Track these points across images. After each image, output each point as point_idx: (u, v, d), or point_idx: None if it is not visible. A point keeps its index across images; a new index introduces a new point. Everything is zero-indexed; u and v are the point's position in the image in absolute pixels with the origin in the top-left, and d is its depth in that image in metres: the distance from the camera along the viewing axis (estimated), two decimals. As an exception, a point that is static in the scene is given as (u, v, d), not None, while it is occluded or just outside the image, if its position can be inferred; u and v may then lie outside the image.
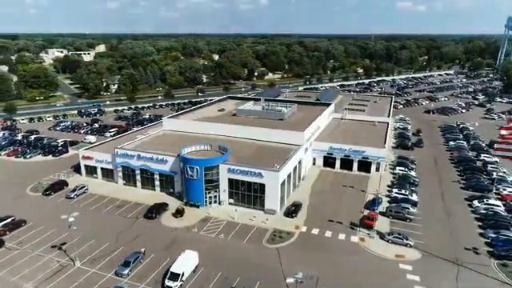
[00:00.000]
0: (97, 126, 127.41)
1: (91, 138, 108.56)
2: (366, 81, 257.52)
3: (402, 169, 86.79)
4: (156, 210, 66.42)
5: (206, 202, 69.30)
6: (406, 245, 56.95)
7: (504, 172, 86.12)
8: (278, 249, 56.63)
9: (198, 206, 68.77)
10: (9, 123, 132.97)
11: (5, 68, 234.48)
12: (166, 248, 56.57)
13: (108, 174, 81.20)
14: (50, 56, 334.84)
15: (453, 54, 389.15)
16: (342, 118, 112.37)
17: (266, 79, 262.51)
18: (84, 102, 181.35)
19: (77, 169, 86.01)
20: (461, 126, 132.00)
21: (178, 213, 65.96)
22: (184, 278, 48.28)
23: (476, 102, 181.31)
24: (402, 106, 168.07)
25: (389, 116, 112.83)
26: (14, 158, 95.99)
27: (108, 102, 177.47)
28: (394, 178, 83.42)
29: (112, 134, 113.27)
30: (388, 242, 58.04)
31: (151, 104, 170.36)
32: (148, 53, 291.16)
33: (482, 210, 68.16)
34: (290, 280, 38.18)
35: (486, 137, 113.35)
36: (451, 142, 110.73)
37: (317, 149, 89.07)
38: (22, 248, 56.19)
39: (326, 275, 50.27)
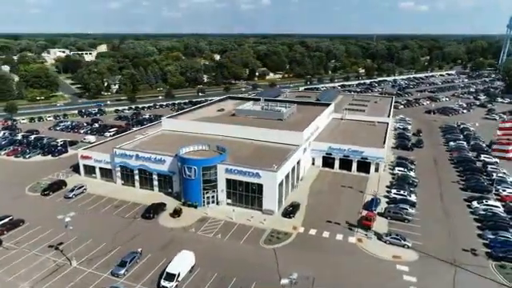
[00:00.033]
0: (97, 125, 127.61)
1: (91, 138, 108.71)
2: (367, 81, 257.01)
3: (402, 169, 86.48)
4: (154, 210, 66.37)
5: (203, 202, 69.24)
6: (403, 246, 56.70)
7: (504, 173, 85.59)
8: (275, 249, 56.49)
9: (195, 206, 68.71)
10: (9, 123, 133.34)
11: (6, 68, 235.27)
12: (163, 248, 56.51)
13: (107, 174, 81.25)
14: (52, 56, 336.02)
15: (455, 54, 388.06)
16: (341, 118, 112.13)
17: (267, 79, 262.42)
18: (85, 101, 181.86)
19: (76, 169, 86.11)
20: (461, 126, 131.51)
21: (176, 213, 65.93)
22: (180, 279, 48.19)
23: (477, 103, 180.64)
24: (402, 107, 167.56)
25: (389, 116, 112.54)
26: (13, 158, 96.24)
27: (108, 102, 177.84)
28: (393, 178, 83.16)
29: (112, 133, 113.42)
30: (386, 242, 57.82)
31: (152, 104, 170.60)
32: (149, 53, 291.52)
33: (481, 210, 67.81)
34: (284, 281, 37.97)
35: (487, 137, 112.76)
36: (451, 143, 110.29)
37: (316, 149, 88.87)
38: (19, 248, 56.23)
39: (322, 276, 50.12)
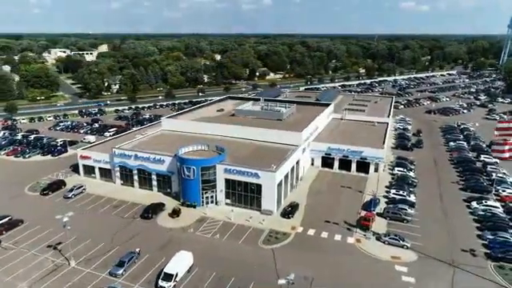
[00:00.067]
0: (97, 125, 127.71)
1: (91, 138, 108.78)
2: (368, 81, 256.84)
3: (401, 169, 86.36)
4: (152, 210, 66.36)
5: (202, 202, 69.22)
6: (402, 246, 56.58)
7: (504, 173, 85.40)
8: (274, 249, 56.44)
9: (194, 207, 68.68)
10: (9, 123, 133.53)
11: (7, 68, 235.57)
12: (162, 248, 56.49)
13: (106, 174, 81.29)
14: (53, 56, 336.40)
15: (456, 54, 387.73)
16: (341, 119, 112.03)
17: (268, 79, 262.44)
18: (85, 101, 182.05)
19: (75, 168, 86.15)
20: (461, 126, 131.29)
21: (175, 213, 65.89)
22: (178, 279, 48.20)
23: (478, 103, 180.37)
24: (402, 107, 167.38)
25: (389, 116, 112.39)
26: (13, 158, 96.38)
27: (108, 102, 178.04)
28: (392, 178, 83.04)
29: (111, 133, 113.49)
30: (384, 243, 57.70)
31: (152, 104, 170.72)
32: (150, 53, 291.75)
33: (480, 211, 67.67)
34: (281, 281, 37.94)
35: (487, 137, 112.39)
36: (451, 143, 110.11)
37: (315, 149, 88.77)
38: (17, 248, 56.29)
39: (320, 276, 50.06)
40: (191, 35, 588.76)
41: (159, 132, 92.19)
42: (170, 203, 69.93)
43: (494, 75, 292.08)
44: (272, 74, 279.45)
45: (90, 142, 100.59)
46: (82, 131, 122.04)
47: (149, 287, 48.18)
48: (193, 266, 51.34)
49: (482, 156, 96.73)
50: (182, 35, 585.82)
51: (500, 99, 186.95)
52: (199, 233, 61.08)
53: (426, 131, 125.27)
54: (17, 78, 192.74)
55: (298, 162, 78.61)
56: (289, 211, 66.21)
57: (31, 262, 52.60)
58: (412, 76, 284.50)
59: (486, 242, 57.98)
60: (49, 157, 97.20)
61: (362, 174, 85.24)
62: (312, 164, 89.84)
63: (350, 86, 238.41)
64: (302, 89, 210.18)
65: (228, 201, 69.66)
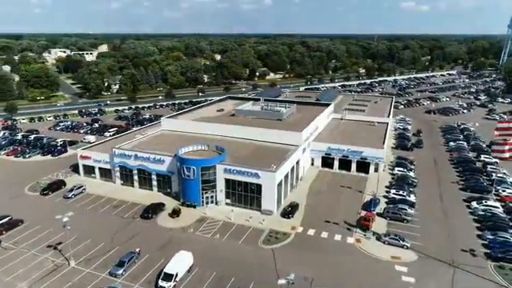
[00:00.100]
0: (97, 125, 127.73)
1: (90, 138, 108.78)
2: (368, 81, 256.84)
3: (401, 169, 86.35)
4: (152, 210, 66.37)
5: (202, 202, 69.23)
6: (402, 246, 56.57)
7: (504, 173, 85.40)
8: (274, 249, 56.45)
9: (194, 207, 68.68)
10: (9, 123, 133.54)
11: (7, 68, 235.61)
12: (162, 248, 56.49)
13: (106, 174, 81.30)
14: (53, 56, 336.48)
15: (456, 54, 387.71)
16: (341, 119, 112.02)
17: (268, 79, 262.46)
18: (85, 101, 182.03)
19: (75, 168, 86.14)
20: (461, 126, 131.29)
21: (175, 213, 65.88)
22: (178, 279, 48.20)
23: (478, 103, 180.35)
24: (402, 107, 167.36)
25: (388, 116, 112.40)
26: (13, 158, 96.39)
27: (108, 102, 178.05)
28: (392, 178, 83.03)
29: (111, 133, 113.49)
30: (384, 243, 57.70)
31: (152, 104, 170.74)
32: (150, 53, 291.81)
33: (480, 211, 67.66)
34: (281, 281, 37.92)
35: (487, 137, 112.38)
36: (451, 143, 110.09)
37: (315, 149, 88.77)
38: (17, 248, 56.29)
39: (320, 276, 50.06)
40: (191, 35, 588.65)
41: (159, 132, 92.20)
42: (170, 203, 69.94)
43: (494, 75, 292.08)
44: (272, 74, 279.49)
45: (89, 142, 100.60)
46: (81, 131, 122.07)
47: (149, 287, 48.19)
48: (193, 266, 51.34)
49: (482, 156, 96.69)
50: (183, 35, 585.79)
51: (500, 99, 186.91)
52: (199, 233, 61.08)
53: (425, 131, 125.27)
54: (17, 78, 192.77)
55: (298, 162, 78.61)
56: (289, 211, 66.21)
57: (31, 262, 52.61)
58: (412, 76, 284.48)
59: (485, 242, 58.00)
60: (49, 157, 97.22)
61: (362, 174, 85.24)
62: (312, 164, 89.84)
63: (349, 86, 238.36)
64: (301, 89, 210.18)
65: (228, 201, 69.66)
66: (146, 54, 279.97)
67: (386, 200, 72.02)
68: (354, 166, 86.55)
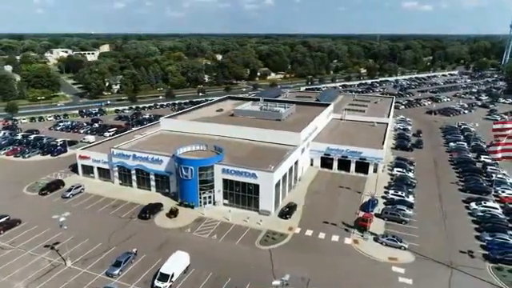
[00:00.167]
0: (97, 125, 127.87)
1: (90, 138, 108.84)
2: (369, 81, 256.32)
3: (401, 170, 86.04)
4: (150, 210, 66.33)
5: (200, 202, 69.14)
6: (400, 247, 56.33)
7: (504, 174, 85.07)
8: (271, 250, 56.30)
9: (192, 207, 68.61)
10: (10, 123, 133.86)
11: (9, 68, 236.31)
12: (159, 248, 56.43)
13: (104, 174, 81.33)
14: (55, 56, 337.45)
15: (458, 54, 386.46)
16: (341, 119, 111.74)
17: (269, 79, 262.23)
18: (86, 101, 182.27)
19: (74, 168, 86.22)
20: (462, 126, 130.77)
21: (172, 213, 65.85)
22: (174, 279, 48.11)
23: (479, 103, 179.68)
24: (403, 107, 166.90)
25: (388, 117, 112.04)
26: (12, 158, 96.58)
27: (109, 102, 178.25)
28: (391, 179, 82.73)
29: (111, 133, 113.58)
30: (382, 244, 57.47)
31: (152, 104, 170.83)
32: (151, 53, 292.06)
33: (479, 212, 67.32)
34: (275, 282, 37.76)
35: (488, 138, 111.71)
36: (451, 143, 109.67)
37: (314, 149, 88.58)
38: (14, 247, 56.33)
39: (317, 277, 49.91)
40: (193, 35, 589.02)
41: (158, 132, 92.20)
42: (168, 203, 69.91)
43: (496, 75, 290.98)
44: (273, 74, 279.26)
45: (89, 142, 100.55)
46: (81, 131, 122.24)
47: (145, 287, 48.12)
48: (189, 267, 51.25)
49: (483, 157, 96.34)
50: (184, 35, 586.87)
51: (501, 99, 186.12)
52: (196, 233, 60.99)
53: (426, 131, 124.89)
54: (18, 78, 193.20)
55: (296, 163, 78.40)
56: (286, 212, 66.05)
57: (28, 262, 52.62)
58: (413, 76, 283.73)
59: (484, 244, 57.68)
60: (48, 157, 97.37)
61: (361, 175, 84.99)
62: (311, 164, 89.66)
63: (350, 86, 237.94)
64: (302, 89, 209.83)
65: (226, 201, 69.53)
66: (147, 54, 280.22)
67: (384, 201, 71.77)
68: (353, 167, 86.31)
